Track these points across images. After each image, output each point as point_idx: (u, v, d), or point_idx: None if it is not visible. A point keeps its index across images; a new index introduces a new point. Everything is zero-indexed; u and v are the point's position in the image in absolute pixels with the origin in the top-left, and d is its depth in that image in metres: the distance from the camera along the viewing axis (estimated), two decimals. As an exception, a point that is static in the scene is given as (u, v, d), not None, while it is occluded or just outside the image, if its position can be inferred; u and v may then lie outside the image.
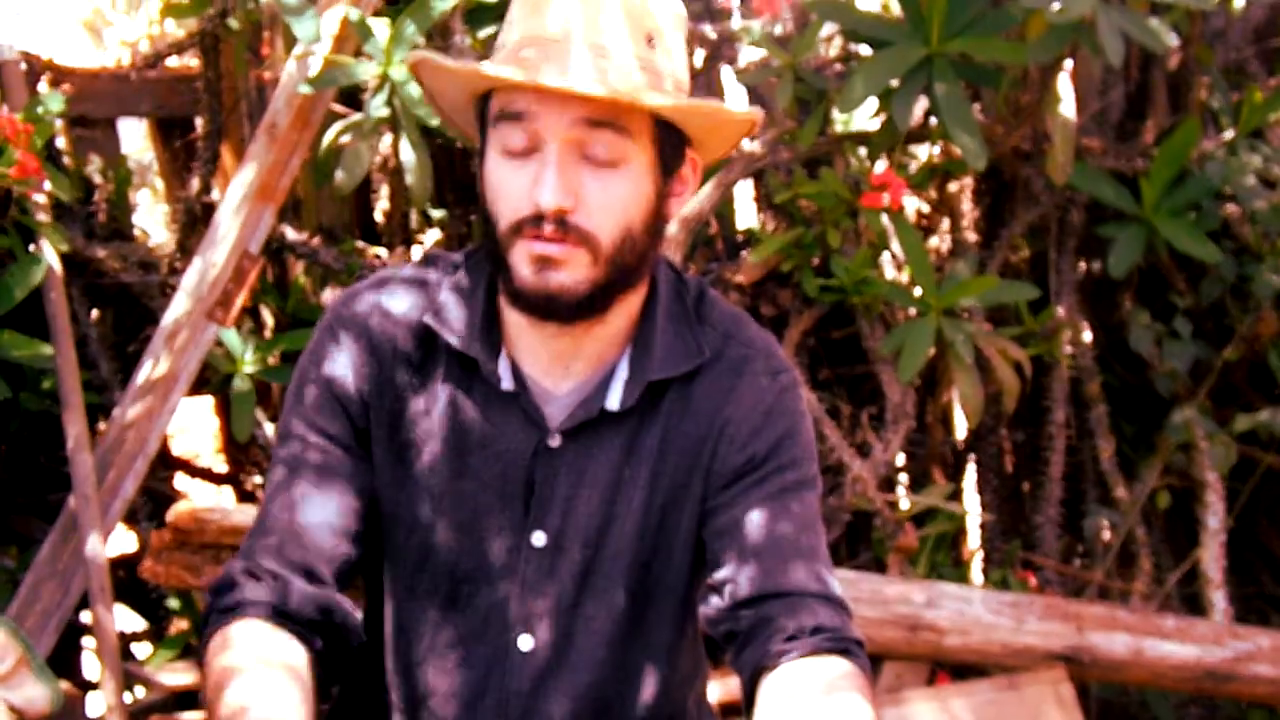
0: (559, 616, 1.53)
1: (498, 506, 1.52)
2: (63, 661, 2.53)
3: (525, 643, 1.53)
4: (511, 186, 1.42)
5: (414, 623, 1.56)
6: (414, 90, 2.41)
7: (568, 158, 1.39)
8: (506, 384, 1.51)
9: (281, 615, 1.42)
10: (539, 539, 1.51)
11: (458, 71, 1.46)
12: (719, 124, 1.50)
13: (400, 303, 1.54)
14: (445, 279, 1.55)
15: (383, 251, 2.90)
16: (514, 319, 1.50)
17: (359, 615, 1.50)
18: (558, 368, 1.51)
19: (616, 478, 1.52)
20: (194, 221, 2.77)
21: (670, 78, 1.45)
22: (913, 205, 3.06)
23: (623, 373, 1.51)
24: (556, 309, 1.43)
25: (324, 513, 1.49)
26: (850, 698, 1.37)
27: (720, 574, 1.49)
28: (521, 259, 1.42)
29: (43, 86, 2.54)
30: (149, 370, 2.48)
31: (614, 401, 1.50)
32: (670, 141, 1.46)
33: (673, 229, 2.75)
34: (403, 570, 1.55)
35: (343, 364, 1.53)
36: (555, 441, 1.51)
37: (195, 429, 3.21)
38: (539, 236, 1.40)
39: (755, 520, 1.49)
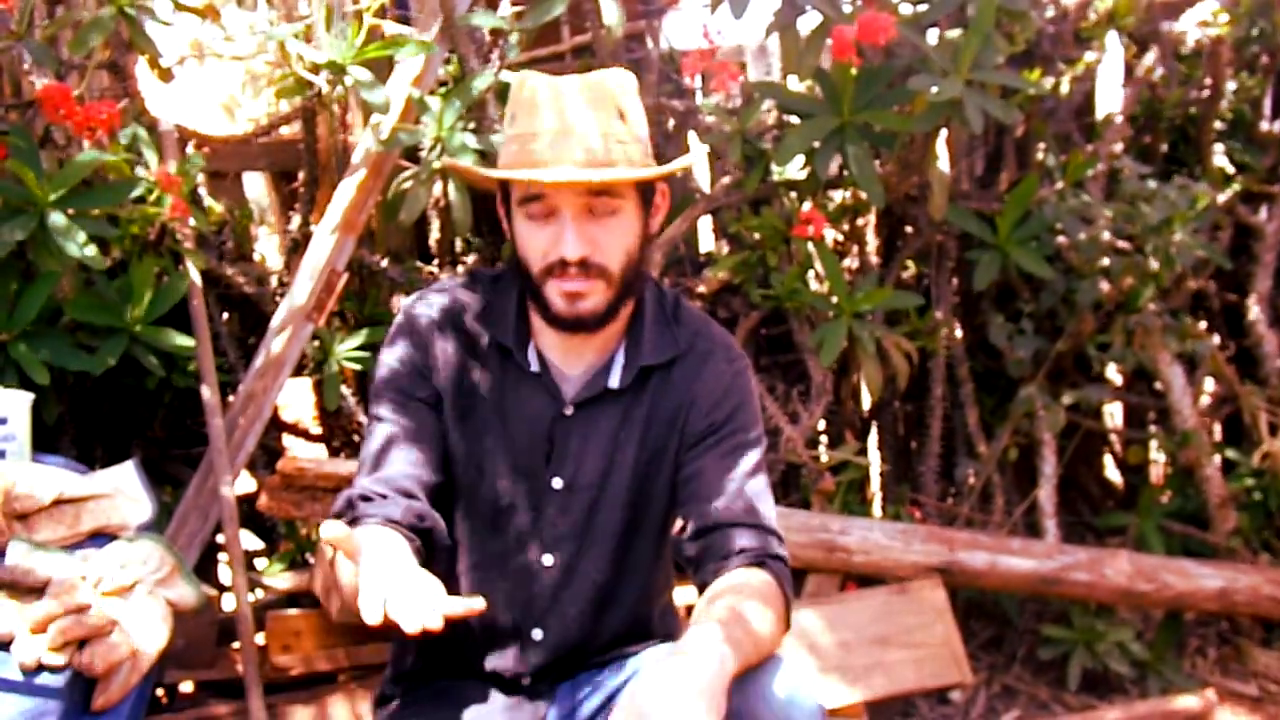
0: (572, 541, 1.54)
1: (526, 457, 1.53)
2: (203, 570, 2.52)
3: (547, 560, 1.54)
4: (538, 241, 1.45)
5: (468, 539, 1.57)
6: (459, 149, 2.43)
7: (580, 218, 1.43)
8: (533, 367, 1.53)
9: (391, 522, 1.41)
10: (557, 483, 1.53)
11: (489, 175, 1.48)
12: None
13: (456, 305, 1.56)
14: (487, 289, 1.57)
15: (434, 269, 2.91)
16: (538, 321, 1.52)
17: (443, 524, 1.49)
18: (571, 356, 1.53)
19: (614, 438, 1.53)
20: (296, 247, 2.78)
21: (640, 142, 1.46)
22: (830, 235, 3.07)
23: (620, 360, 1.53)
24: (584, 326, 1.47)
25: (413, 453, 1.50)
26: (750, 594, 1.37)
27: (683, 511, 1.51)
28: (555, 293, 1.45)
29: (189, 149, 2.55)
30: (264, 357, 2.49)
31: (615, 381, 1.52)
32: (648, 186, 1.49)
33: (653, 252, 2.77)
34: (462, 499, 1.57)
35: (419, 347, 1.53)
36: (569, 410, 1.52)
37: (297, 401, 3.16)
38: (565, 277, 1.43)
39: (711, 471, 1.50)
